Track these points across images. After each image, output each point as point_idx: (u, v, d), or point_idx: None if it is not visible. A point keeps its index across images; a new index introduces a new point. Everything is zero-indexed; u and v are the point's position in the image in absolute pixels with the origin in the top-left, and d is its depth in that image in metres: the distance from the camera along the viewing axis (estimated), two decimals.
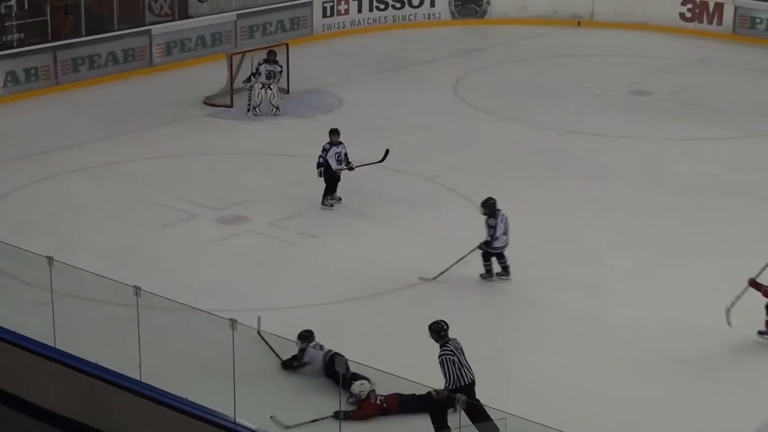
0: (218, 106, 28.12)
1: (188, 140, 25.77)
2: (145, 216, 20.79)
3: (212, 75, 29.20)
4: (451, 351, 13.99)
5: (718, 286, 17.60)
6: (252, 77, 27.54)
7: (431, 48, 34.18)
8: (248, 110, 27.50)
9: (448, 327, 14.18)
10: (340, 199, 21.83)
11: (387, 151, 22.16)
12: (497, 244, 18.56)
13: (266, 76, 27.40)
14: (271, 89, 27.42)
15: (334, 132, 21.83)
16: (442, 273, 18.67)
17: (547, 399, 15.10)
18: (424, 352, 14.41)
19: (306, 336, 15.61)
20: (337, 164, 21.62)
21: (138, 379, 14.49)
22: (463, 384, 13.93)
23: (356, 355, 14.45)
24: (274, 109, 27.50)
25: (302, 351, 15.48)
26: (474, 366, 14.19)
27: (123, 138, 25.82)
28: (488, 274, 18.76)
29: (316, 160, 21.59)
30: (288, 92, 28.94)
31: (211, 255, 19.82)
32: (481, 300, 18.32)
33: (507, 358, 16.31)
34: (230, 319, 13.75)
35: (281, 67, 27.80)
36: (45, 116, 27.47)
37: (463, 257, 18.68)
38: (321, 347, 15.52)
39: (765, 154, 25.21)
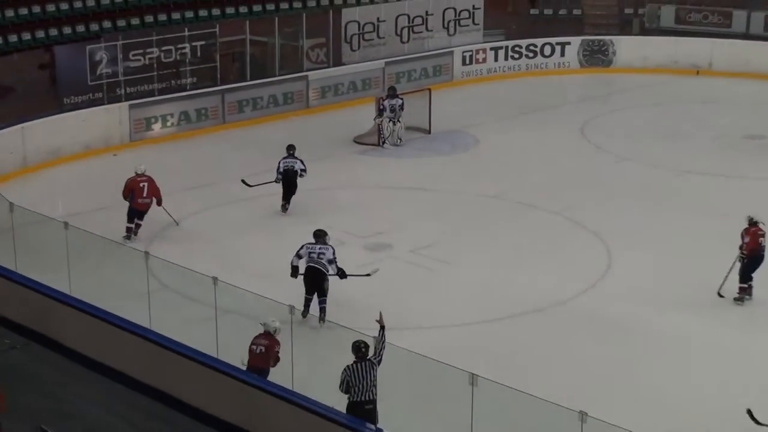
0: (367, 144, 28.35)
1: (339, 175, 25.98)
2: (298, 242, 20.92)
3: (362, 117, 29.41)
4: (350, 369, 13.88)
5: None
6: (381, 113, 27.97)
7: (560, 94, 33.93)
8: (381, 143, 27.84)
9: (366, 348, 14.00)
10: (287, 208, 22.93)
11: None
12: None
13: (390, 110, 27.80)
14: (400, 121, 27.96)
15: (290, 147, 23.52)
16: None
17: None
18: (550, 371, 14.22)
19: None
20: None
21: (290, 388, 14.64)
22: (353, 399, 13.89)
23: (483, 370, 14.22)
24: (399, 140, 27.92)
25: None
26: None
27: None
28: None
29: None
30: (429, 132, 29.09)
31: (357, 278, 19.83)
32: (602, 323, 18.09)
33: (624, 378, 16.14)
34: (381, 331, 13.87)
35: (401, 99, 28.19)
36: (213, 151, 27.99)
37: None
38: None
39: None
